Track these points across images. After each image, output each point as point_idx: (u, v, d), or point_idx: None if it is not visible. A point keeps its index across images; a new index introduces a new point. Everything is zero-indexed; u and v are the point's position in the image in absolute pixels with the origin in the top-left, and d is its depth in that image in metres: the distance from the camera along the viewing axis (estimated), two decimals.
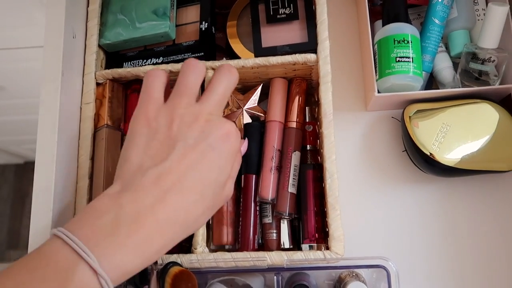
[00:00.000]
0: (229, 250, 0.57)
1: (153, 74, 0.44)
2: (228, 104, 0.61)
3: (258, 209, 0.58)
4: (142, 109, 0.42)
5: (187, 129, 0.40)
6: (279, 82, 0.60)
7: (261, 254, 0.51)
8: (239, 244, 0.57)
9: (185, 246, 0.58)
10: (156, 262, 0.50)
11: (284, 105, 0.60)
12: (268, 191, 0.57)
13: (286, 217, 0.57)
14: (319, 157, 0.60)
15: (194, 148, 0.40)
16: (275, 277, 0.52)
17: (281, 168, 0.58)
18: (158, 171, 0.38)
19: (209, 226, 0.57)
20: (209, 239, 0.57)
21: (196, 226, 0.41)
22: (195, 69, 0.44)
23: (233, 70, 0.45)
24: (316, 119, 0.62)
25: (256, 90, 0.61)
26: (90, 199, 0.56)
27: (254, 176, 0.58)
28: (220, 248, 0.57)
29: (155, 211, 0.37)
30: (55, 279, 0.33)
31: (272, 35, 0.60)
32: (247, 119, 0.61)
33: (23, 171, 1.89)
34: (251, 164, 0.58)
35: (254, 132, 0.60)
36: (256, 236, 0.57)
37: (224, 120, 0.42)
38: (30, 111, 1.21)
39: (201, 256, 0.51)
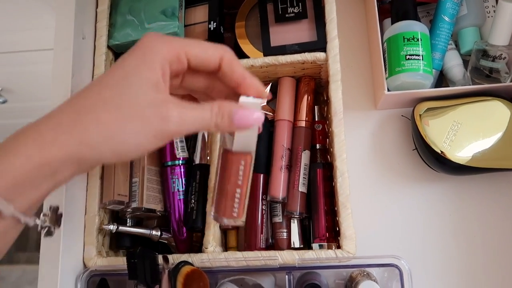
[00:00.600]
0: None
1: None
2: None
3: (265, 208, 0.58)
4: None
5: None
6: (288, 81, 0.60)
7: (272, 253, 0.51)
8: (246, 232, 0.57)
9: (196, 245, 0.58)
10: (167, 261, 0.50)
11: (293, 104, 0.60)
12: (279, 190, 0.56)
13: (296, 216, 0.57)
14: (328, 156, 0.60)
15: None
16: (286, 276, 0.52)
17: (291, 167, 0.58)
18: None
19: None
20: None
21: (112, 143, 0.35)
22: None
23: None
24: (325, 118, 0.62)
25: (266, 87, 0.61)
26: (100, 200, 0.56)
27: (262, 175, 0.58)
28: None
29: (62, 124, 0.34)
30: None
31: (281, 34, 0.60)
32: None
33: None
34: (259, 163, 0.58)
35: (263, 131, 0.59)
36: (262, 236, 0.57)
37: None
38: (39, 114, 1.22)
39: (212, 256, 0.51)
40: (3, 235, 0.35)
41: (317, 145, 0.60)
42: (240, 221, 0.41)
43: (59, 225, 0.43)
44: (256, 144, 0.57)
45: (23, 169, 0.33)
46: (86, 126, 0.34)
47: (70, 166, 0.34)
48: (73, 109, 0.35)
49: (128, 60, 0.37)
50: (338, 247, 0.51)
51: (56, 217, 0.43)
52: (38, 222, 0.37)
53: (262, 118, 0.38)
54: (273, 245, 0.59)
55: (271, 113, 0.61)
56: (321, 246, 0.56)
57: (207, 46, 0.39)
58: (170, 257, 0.51)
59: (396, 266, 0.50)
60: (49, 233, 0.41)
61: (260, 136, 0.59)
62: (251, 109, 0.38)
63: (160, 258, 0.50)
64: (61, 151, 0.33)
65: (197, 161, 0.57)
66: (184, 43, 0.38)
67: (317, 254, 0.50)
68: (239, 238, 0.61)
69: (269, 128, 0.60)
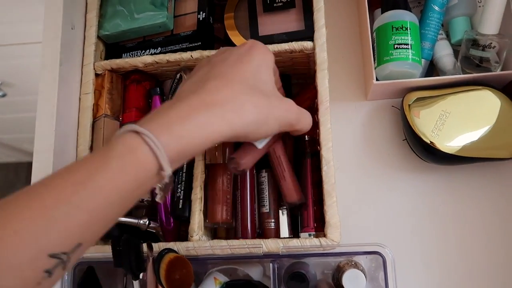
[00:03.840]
0: (225, 228, 0.57)
1: None
2: None
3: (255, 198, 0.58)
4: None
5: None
6: None
7: (257, 241, 0.51)
8: (236, 222, 0.57)
9: (183, 235, 0.58)
10: (152, 249, 0.50)
11: None
12: (294, 195, 0.56)
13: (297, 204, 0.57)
14: (318, 147, 0.59)
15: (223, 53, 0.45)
16: (271, 264, 0.52)
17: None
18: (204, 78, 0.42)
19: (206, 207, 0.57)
20: (205, 218, 0.57)
21: (247, 116, 0.41)
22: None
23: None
24: (314, 110, 0.61)
25: None
26: None
27: None
28: (215, 225, 0.57)
29: (204, 104, 0.39)
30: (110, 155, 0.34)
31: (269, 24, 0.60)
32: None
33: None
34: None
35: None
36: (255, 225, 0.57)
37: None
38: None
39: (198, 244, 0.51)
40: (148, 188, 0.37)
41: (306, 136, 0.60)
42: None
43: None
44: None
45: (195, 141, 0.38)
46: (244, 106, 0.40)
47: (223, 140, 0.40)
48: (231, 91, 0.41)
49: (253, 56, 0.44)
50: (324, 236, 0.51)
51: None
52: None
53: None
54: (261, 234, 0.59)
55: None
56: (310, 236, 0.56)
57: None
58: (155, 245, 0.51)
59: (380, 254, 0.50)
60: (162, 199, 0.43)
61: None
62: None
63: (144, 246, 0.50)
64: (225, 129, 0.39)
65: None
66: None
67: (301, 242, 0.50)
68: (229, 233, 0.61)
69: None
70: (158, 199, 0.41)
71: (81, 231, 0.32)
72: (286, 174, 0.56)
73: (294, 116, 0.46)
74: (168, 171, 0.35)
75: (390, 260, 0.50)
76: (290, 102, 0.46)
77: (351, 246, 0.52)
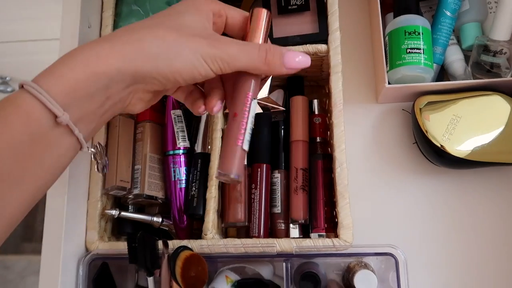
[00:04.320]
0: (241, 227, 0.58)
1: None
2: None
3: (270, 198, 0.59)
4: None
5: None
6: (299, 100, 0.61)
7: (270, 240, 0.52)
8: (250, 222, 0.57)
9: (196, 234, 0.59)
10: (167, 246, 0.51)
11: (307, 124, 0.61)
12: (300, 212, 0.57)
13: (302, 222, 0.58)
14: (329, 148, 0.60)
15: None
16: (284, 263, 0.53)
17: (305, 188, 0.58)
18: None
19: (224, 208, 0.58)
20: (220, 218, 0.57)
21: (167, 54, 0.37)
22: None
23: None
24: (325, 111, 0.62)
25: (266, 81, 0.62)
26: (103, 185, 0.57)
27: (264, 165, 0.59)
28: (233, 225, 0.57)
29: (95, 42, 0.35)
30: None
31: (283, 26, 0.60)
32: (258, 110, 0.61)
33: None
34: (261, 154, 0.59)
35: (265, 123, 0.60)
36: (267, 225, 0.58)
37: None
38: None
39: (211, 242, 0.52)
40: (57, 149, 0.34)
41: (317, 138, 0.60)
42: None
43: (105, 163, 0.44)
44: (258, 135, 0.58)
45: (79, 76, 0.33)
46: (143, 37, 0.35)
47: (125, 78, 0.35)
48: (130, 28, 0.37)
49: (179, 5, 0.39)
50: (336, 237, 0.52)
51: (104, 153, 0.44)
52: (92, 150, 0.37)
53: (309, 60, 0.41)
54: (271, 235, 0.60)
55: (273, 105, 0.62)
56: (320, 236, 0.56)
57: (240, 10, 0.42)
58: (170, 242, 0.52)
59: (392, 255, 0.51)
60: (102, 169, 0.41)
61: (262, 128, 0.60)
62: (297, 51, 0.40)
63: (160, 243, 0.51)
64: (118, 61, 0.34)
65: (198, 149, 0.58)
66: (223, 4, 0.41)
67: (315, 243, 0.51)
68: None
69: (271, 119, 0.61)
70: (97, 170, 0.39)
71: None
72: (299, 189, 0.57)
73: (247, 57, 0.38)
74: (64, 116, 0.32)
75: (402, 261, 0.51)
76: (233, 42, 0.38)
77: (363, 247, 0.52)
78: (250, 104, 0.42)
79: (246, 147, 0.40)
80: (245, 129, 0.41)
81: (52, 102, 0.32)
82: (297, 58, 0.40)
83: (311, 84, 0.66)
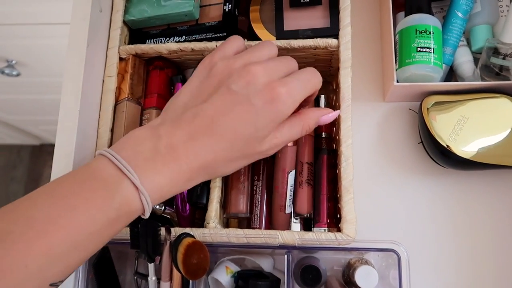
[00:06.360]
0: (243, 219, 0.58)
1: (233, 37, 0.48)
2: None
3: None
4: (210, 55, 0.45)
5: (237, 78, 0.41)
6: None
7: (273, 232, 0.52)
8: (252, 214, 0.57)
9: (198, 223, 0.59)
10: (170, 233, 0.50)
11: None
12: (304, 206, 0.57)
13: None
14: (334, 144, 0.60)
15: (232, 95, 0.41)
16: (285, 256, 0.53)
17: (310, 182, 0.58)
18: (196, 110, 0.41)
19: (226, 198, 0.57)
20: (223, 208, 0.57)
21: (223, 171, 0.44)
22: (270, 44, 0.48)
23: (318, 73, 0.48)
24: (332, 107, 0.62)
25: None
26: None
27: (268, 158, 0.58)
28: (234, 216, 0.57)
29: (187, 147, 0.40)
30: (103, 189, 0.37)
31: (294, 19, 0.60)
32: None
33: (39, 153, 1.91)
34: None
35: None
36: (269, 217, 0.58)
37: (281, 84, 0.42)
38: (51, 90, 1.22)
39: (214, 231, 0.52)
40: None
41: (323, 133, 0.60)
42: None
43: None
44: None
45: (172, 182, 0.40)
46: (221, 171, 0.44)
47: (202, 174, 0.42)
48: (195, 124, 0.41)
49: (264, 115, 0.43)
50: (339, 232, 0.52)
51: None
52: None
53: (337, 113, 0.51)
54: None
55: None
56: (322, 231, 0.56)
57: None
58: (172, 229, 0.52)
59: (395, 252, 0.51)
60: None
61: None
62: (326, 109, 0.51)
63: (162, 230, 0.51)
64: (197, 161, 0.41)
65: None
66: None
67: (317, 236, 0.51)
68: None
69: None
70: None
71: (77, 265, 0.38)
72: (304, 184, 0.57)
73: (281, 141, 0.46)
74: (147, 216, 0.41)
75: (404, 259, 0.50)
76: (266, 149, 0.45)
77: (366, 242, 0.52)
78: (287, 178, 0.55)
79: (288, 211, 0.55)
80: (285, 199, 0.55)
81: (149, 205, 0.40)
82: (328, 118, 0.50)
83: None
